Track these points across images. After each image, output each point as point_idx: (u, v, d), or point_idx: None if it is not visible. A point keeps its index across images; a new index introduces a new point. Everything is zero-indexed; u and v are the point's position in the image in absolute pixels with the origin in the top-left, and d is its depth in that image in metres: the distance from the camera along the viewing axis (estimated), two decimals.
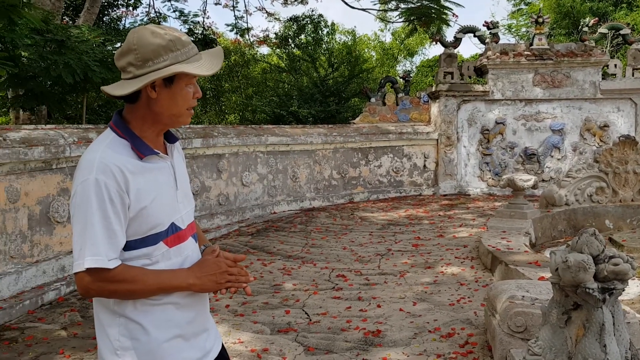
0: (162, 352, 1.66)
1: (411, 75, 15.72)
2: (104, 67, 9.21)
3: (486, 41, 12.93)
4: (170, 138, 1.79)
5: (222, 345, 1.92)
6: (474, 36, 13.37)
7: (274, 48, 22.26)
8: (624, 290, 2.71)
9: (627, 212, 7.52)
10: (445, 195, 12.00)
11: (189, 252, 1.76)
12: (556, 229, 7.51)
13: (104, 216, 1.55)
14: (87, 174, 1.56)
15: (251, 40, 20.39)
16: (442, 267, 6.07)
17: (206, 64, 1.69)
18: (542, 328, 2.96)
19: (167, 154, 1.75)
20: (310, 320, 4.57)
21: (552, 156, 12.35)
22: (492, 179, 12.38)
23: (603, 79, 12.25)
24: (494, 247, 5.94)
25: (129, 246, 1.63)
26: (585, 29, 12.90)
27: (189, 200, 1.82)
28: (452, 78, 12.44)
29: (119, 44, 10.87)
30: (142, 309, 1.64)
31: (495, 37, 12.86)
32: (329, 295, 5.19)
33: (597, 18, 15.31)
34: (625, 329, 2.75)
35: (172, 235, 1.69)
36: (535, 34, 12.48)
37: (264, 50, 24.31)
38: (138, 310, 1.64)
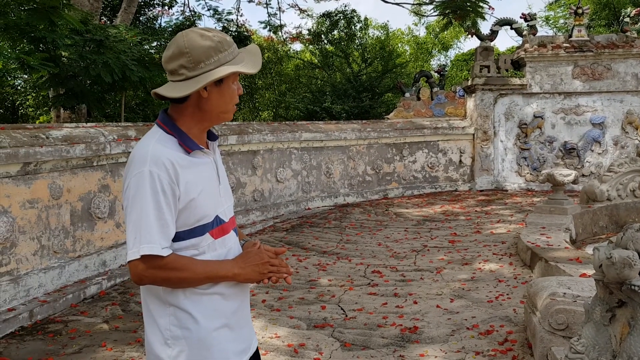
0: (212, 340, 1.72)
1: (446, 69, 15.51)
2: (141, 66, 9.37)
3: (523, 34, 12.67)
4: (212, 136, 1.87)
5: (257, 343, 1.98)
6: (511, 29, 13.11)
7: (307, 44, 22.29)
8: None
9: None
10: (481, 190, 11.83)
11: (231, 244, 1.83)
12: (597, 225, 7.32)
13: (157, 207, 1.62)
14: (141, 167, 1.64)
15: (284, 37, 20.45)
16: (479, 263, 5.98)
17: (250, 63, 1.78)
18: (585, 326, 2.89)
19: (209, 150, 1.83)
20: (346, 316, 4.57)
21: (592, 150, 12.03)
22: (530, 174, 12.13)
23: None
24: (533, 243, 5.83)
25: (178, 237, 1.70)
26: (627, 19, 12.50)
27: (229, 196, 1.90)
28: (489, 72, 12.22)
29: (155, 43, 11.07)
30: (192, 298, 1.71)
31: (532, 29, 12.58)
32: (364, 291, 5.18)
33: (639, 8, 14.82)
34: None
35: (217, 227, 1.77)
36: (574, 26, 12.17)
37: (297, 46, 24.39)
38: (188, 299, 1.70)
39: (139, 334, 4.26)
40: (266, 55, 20.52)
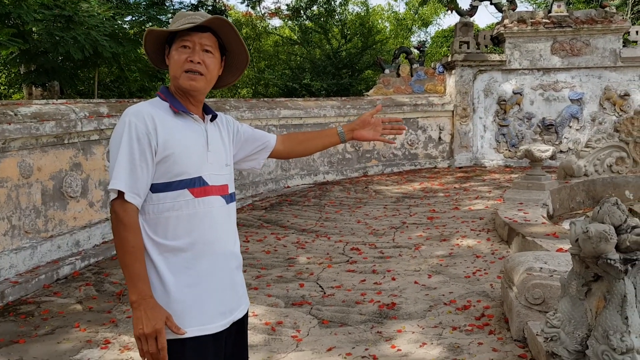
0: (183, 296, 1.82)
1: (426, 45, 15.41)
2: (114, 42, 9.14)
3: (503, 9, 12.62)
4: (207, 110, 1.99)
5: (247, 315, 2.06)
6: (491, 4, 13.08)
7: (286, 20, 21.98)
8: None
9: None
10: (460, 167, 11.86)
11: (215, 209, 1.88)
12: (574, 200, 7.38)
13: (130, 152, 1.75)
14: (123, 117, 1.81)
15: (262, 13, 20.14)
16: (457, 239, 5.99)
17: (175, 24, 1.91)
18: (561, 300, 2.89)
19: (201, 120, 1.94)
20: (325, 293, 4.54)
21: (570, 126, 12.11)
22: (509, 150, 12.19)
23: (624, 46, 11.91)
24: (510, 218, 5.85)
25: (157, 189, 1.81)
26: None
27: (222, 166, 1.95)
28: (468, 48, 12.17)
29: (129, 18, 10.79)
30: (165, 254, 1.82)
31: (512, 4, 12.54)
32: (343, 269, 5.16)
33: None
34: None
35: (199, 187, 1.84)
36: (553, 1, 12.14)
37: (276, 22, 24.05)
38: (161, 255, 1.82)
39: (113, 314, 4.19)
40: (244, 31, 20.21)
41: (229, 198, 1.96)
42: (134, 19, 11.04)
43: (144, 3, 10.64)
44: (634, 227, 2.58)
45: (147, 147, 1.76)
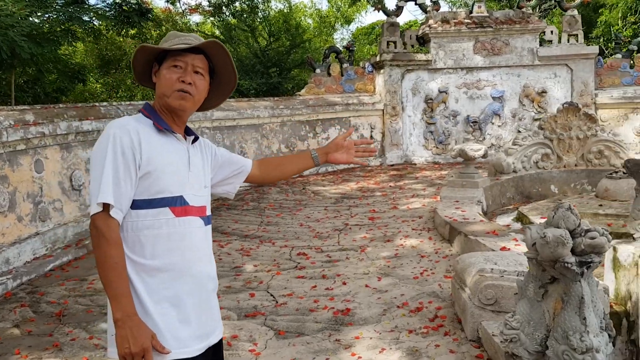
0: (157, 318, 1.79)
1: (354, 45, 15.57)
2: (32, 42, 8.61)
3: (427, 9, 12.96)
4: (188, 131, 1.99)
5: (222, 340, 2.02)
6: (416, 4, 13.37)
7: (207, 16, 21.53)
8: (600, 263, 2.77)
9: (571, 176, 7.80)
10: (392, 165, 12.10)
11: (195, 229, 1.88)
12: (505, 196, 7.71)
13: (114, 166, 1.73)
14: (108, 130, 1.79)
15: (183, 9, 19.64)
16: (400, 239, 6.10)
17: (166, 43, 1.91)
18: (519, 302, 2.99)
19: (184, 139, 1.94)
20: (277, 302, 4.49)
21: (492, 123, 12.64)
22: (437, 147, 12.57)
23: (540, 45, 12.56)
24: (450, 217, 6.02)
25: (137, 205, 1.78)
26: None
27: (202, 189, 1.95)
28: (395, 47, 12.43)
29: (47, 16, 10.17)
30: (141, 274, 1.78)
31: (436, 5, 12.90)
32: (292, 275, 5.12)
33: None
34: (599, 299, 2.81)
35: (180, 206, 1.83)
36: (475, 1, 12.60)
37: (197, 18, 23.48)
38: (137, 275, 1.78)
39: (55, 337, 3.95)
40: (164, 27, 19.61)
41: (207, 220, 1.96)
42: (51, 17, 10.43)
43: (62, 1, 10.07)
44: (587, 231, 2.71)
45: (131, 161, 1.76)
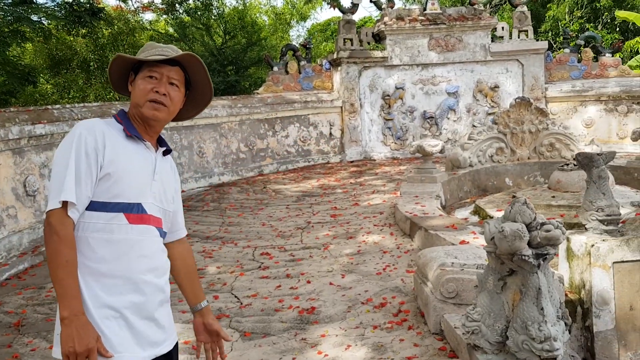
0: (101, 323, 1.76)
1: (311, 43, 15.60)
2: None
3: (382, 7, 13.09)
4: (161, 142, 2.00)
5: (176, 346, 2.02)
6: (370, 1, 13.47)
7: (160, 14, 21.18)
8: (555, 254, 2.88)
9: (525, 169, 8.04)
10: (352, 161, 12.20)
11: (148, 239, 1.87)
12: (462, 190, 7.89)
13: (77, 165, 1.74)
14: (74, 129, 1.81)
15: (135, 6, 19.27)
16: (363, 236, 6.17)
17: (142, 54, 1.93)
18: (479, 295, 3.09)
19: (153, 148, 1.94)
20: (242, 303, 4.48)
21: (448, 118, 12.88)
22: (395, 143, 12.73)
23: (492, 41, 12.86)
24: (411, 213, 6.12)
25: (92, 207, 1.78)
26: None
27: (164, 202, 1.94)
28: (352, 44, 12.52)
29: None
30: (87, 279, 1.76)
31: (390, 2, 13.04)
32: (256, 276, 5.12)
33: None
34: (555, 290, 2.93)
35: (136, 214, 1.82)
36: None
37: (150, 16, 23.06)
38: (83, 279, 1.75)
39: (14, 348, 3.84)
40: (116, 26, 19.19)
41: (164, 233, 1.97)
42: None
43: (9, 1, 9.74)
44: (542, 224, 2.82)
45: (93, 163, 1.76)
